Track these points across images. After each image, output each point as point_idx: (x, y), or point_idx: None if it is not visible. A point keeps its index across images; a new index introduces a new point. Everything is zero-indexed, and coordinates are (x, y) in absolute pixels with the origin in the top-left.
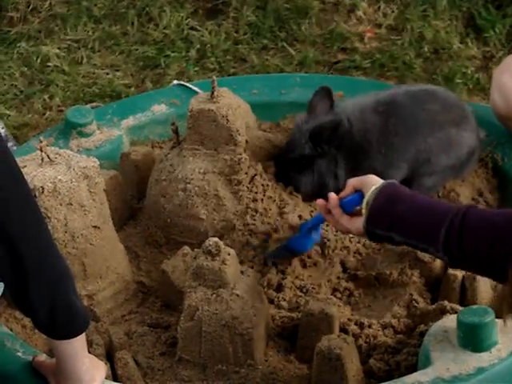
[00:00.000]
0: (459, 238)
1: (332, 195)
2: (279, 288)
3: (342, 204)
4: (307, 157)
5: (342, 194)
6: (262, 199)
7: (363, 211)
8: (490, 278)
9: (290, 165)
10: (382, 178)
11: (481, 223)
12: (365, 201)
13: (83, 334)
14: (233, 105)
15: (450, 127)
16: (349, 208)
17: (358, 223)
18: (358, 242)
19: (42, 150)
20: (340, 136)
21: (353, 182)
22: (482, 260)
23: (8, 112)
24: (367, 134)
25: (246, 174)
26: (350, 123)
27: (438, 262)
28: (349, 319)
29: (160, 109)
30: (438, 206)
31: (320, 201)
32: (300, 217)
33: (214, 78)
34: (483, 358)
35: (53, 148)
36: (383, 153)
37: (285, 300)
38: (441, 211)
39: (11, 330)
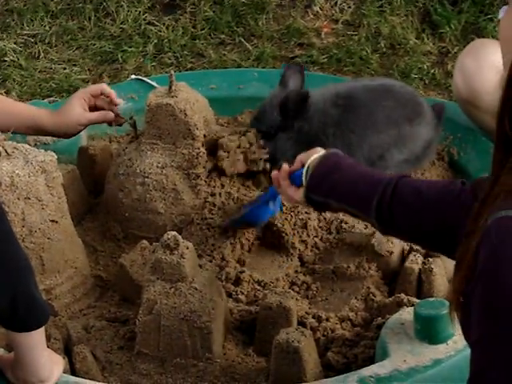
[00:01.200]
0: (389, 206)
1: (284, 167)
2: (237, 282)
3: (291, 177)
4: (272, 128)
5: (293, 167)
6: (220, 193)
7: (303, 179)
8: (424, 247)
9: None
10: None
11: (410, 192)
12: (304, 169)
13: (43, 328)
14: (191, 99)
15: (404, 123)
16: (297, 181)
17: (301, 192)
18: (316, 236)
19: None
20: (306, 110)
21: (301, 157)
22: (412, 228)
23: None
24: (325, 127)
25: (204, 168)
26: (316, 112)
27: (395, 256)
28: (307, 312)
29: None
30: (373, 175)
31: (274, 173)
32: None
33: (172, 72)
34: (440, 350)
35: (10, 142)
36: (337, 148)
37: (243, 294)
38: (375, 180)
39: None
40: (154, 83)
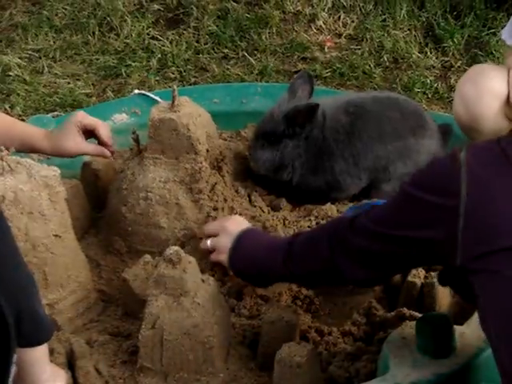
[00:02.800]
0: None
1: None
2: (240, 296)
3: None
4: (277, 134)
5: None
6: (223, 208)
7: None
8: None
9: (257, 138)
10: (337, 183)
11: (302, 244)
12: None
13: (46, 343)
14: (193, 114)
15: (409, 136)
16: None
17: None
18: None
19: (2, 160)
20: (314, 123)
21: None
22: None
23: None
24: (334, 134)
25: (207, 182)
26: (325, 118)
27: None
28: (309, 327)
29: (121, 118)
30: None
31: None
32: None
33: (175, 87)
34: (442, 364)
35: (13, 157)
36: (345, 157)
37: (245, 308)
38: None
39: None
40: (157, 98)
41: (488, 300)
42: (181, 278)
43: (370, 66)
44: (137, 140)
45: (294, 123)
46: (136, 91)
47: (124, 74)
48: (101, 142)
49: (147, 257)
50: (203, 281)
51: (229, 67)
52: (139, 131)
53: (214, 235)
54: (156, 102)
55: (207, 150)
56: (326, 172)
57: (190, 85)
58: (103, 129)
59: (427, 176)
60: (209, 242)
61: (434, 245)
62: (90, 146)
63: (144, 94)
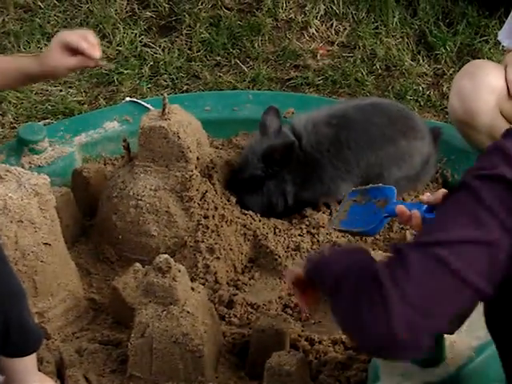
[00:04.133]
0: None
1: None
2: (230, 304)
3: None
4: (258, 177)
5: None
6: (214, 216)
7: None
8: None
9: (240, 185)
10: (330, 189)
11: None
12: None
13: (34, 353)
14: (184, 122)
15: (400, 139)
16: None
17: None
18: None
19: None
20: (291, 157)
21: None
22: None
23: None
24: (318, 146)
25: (197, 190)
26: (300, 138)
27: None
28: (299, 335)
29: (112, 126)
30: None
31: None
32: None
33: (165, 95)
34: (431, 373)
35: (3, 165)
36: (334, 164)
37: (236, 316)
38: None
39: None
40: (148, 105)
41: None
42: (170, 286)
43: (362, 73)
44: (127, 148)
45: (272, 163)
46: (127, 99)
47: (116, 81)
48: (85, 55)
49: (137, 265)
50: (193, 289)
51: (221, 75)
52: (131, 139)
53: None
54: (148, 109)
55: (198, 158)
56: (315, 182)
57: (182, 92)
58: (84, 42)
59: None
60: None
61: None
62: (72, 60)
63: (136, 102)
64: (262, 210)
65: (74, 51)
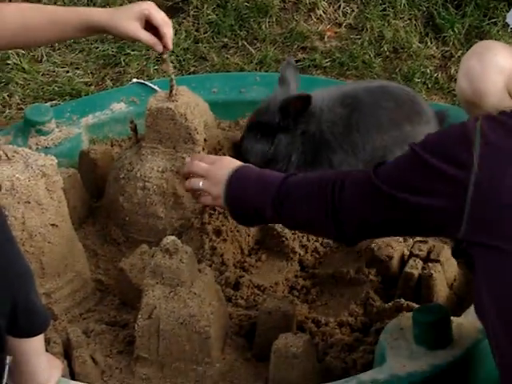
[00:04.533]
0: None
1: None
2: (237, 286)
3: None
4: (272, 125)
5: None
6: None
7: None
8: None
9: (252, 128)
10: None
11: (298, 185)
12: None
13: (42, 334)
14: (191, 103)
15: (405, 124)
16: None
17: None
18: (316, 241)
19: None
20: (308, 115)
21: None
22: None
23: None
24: (333, 127)
25: None
26: (322, 111)
27: (395, 261)
28: (306, 317)
29: (119, 107)
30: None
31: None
32: None
33: (173, 76)
34: (438, 356)
35: (10, 146)
36: (344, 148)
37: (242, 298)
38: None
39: None
40: (155, 87)
41: (484, 274)
42: (177, 268)
43: (369, 55)
44: (135, 129)
45: (288, 115)
46: (134, 80)
47: (123, 62)
48: (160, 37)
49: (144, 247)
50: (200, 271)
51: (228, 56)
52: (137, 120)
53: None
54: (154, 91)
55: (205, 140)
56: (324, 164)
57: (189, 74)
58: (168, 29)
59: (440, 141)
60: (201, 183)
61: (434, 214)
62: (146, 35)
63: (142, 83)
64: (262, 162)
65: (148, 26)
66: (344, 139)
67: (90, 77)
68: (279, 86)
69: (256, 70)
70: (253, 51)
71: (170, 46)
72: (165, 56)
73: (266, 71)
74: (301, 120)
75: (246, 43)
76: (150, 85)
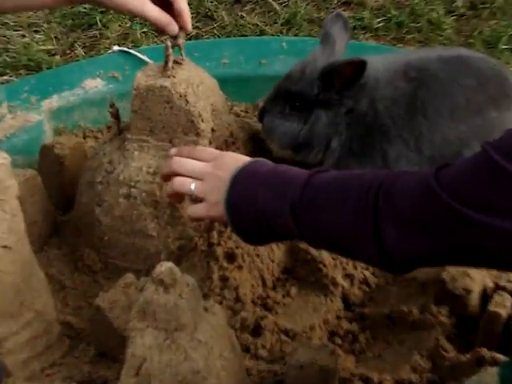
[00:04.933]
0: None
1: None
2: (257, 331)
3: None
4: (307, 97)
5: None
6: None
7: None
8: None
9: (280, 100)
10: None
11: (328, 186)
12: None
13: None
14: (194, 80)
15: (489, 109)
16: None
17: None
18: (366, 269)
19: None
20: (359, 89)
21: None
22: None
23: None
24: (393, 108)
25: None
26: (377, 85)
27: (475, 296)
28: (352, 374)
29: (94, 84)
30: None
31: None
32: None
33: (169, 42)
34: None
35: None
36: (404, 137)
37: (265, 348)
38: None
39: None
40: (144, 57)
41: None
42: (175, 306)
43: (437, 13)
44: (116, 115)
45: (331, 86)
46: (115, 48)
47: (99, 23)
48: (175, 15)
49: (129, 277)
50: (206, 309)
51: (243, 15)
52: (120, 103)
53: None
54: (143, 62)
55: (212, 130)
56: (375, 157)
57: (190, 39)
58: (184, 3)
59: None
60: (193, 186)
61: None
62: (155, 10)
63: (126, 52)
64: (290, 145)
65: (159, 2)
66: (405, 125)
67: (55, 43)
68: (321, 46)
69: (281, 33)
70: (277, 8)
71: (189, 27)
72: (180, 41)
73: (296, 35)
74: (348, 94)
75: None
76: (137, 54)
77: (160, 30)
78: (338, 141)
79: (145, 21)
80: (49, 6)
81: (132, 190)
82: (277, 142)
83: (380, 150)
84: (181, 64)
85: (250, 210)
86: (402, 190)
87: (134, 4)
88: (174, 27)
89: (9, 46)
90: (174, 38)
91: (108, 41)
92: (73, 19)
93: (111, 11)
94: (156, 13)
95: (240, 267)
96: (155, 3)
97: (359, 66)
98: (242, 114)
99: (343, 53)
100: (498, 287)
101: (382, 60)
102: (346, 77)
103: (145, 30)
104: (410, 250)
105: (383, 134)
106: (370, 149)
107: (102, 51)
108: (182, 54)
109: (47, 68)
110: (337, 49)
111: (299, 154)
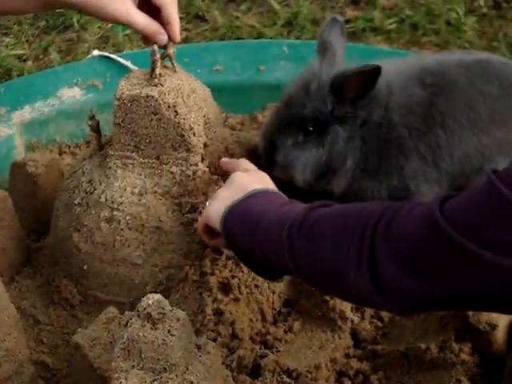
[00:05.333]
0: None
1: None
2: (256, 371)
3: None
4: (322, 117)
5: None
6: None
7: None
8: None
9: (285, 128)
10: (405, 191)
11: (327, 218)
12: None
13: None
14: (184, 89)
15: None
16: None
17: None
18: None
19: None
20: (370, 97)
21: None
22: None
23: None
24: (409, 116)
25: (205, 195)
26: (391, 92)
27: (501, 332)
28: None
29: (71, 94)
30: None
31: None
32: None
33: (155, 46)
34: None
35: None
36: (420, 151)
37: None
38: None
39: None
40: (127, 63)
41: None
42: (164, 343)
43: (457, 13)
44: (96, 129)
45: (344, 98)
46: (95, 52)
47: (76, 25)
48: (163, 23)
49: (112, 311)
50: (199, 347)
51: (238, 15)
52: (100, 115)
53: None
54: (126, 69)
55: (205, 145)
56: (391, 173)
57: (179, 43)
58: (174, 9)
59: None
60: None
61: None
62: (142, 17)
63: (107, 57)
64: (316, 176)
65: (144, 3)
66: (422, 138)
67: (26, 47)
68: (319, 57)
69: (282, 35)
70: (276, 7)
71: (178, 37)
72: (170, 51)
73: (298, 38)
74: (361, 104)
75: None
76: (119, 59)
77: (147, 40)
78: (353, 158)
79: (130, 28)
80: (23, 12)
81: (115, 212)
82: (300, 176)
83: (396, 166)
84: (174, 70)
85: (243, 243)
86: (403, 221)
87: (118, 10)
88: (163, 36)
89: None
90: (163, 47)
91: (86, 45)
92: (47, 20)
93: None
94: (143, 20)
95: (236, 299)
96: (141, 9)
97: (373, 74)
98: (238, 126)
99: (344, 59)
100: None
101: (394, 64)
102: (358, 86)
103: (128, 32)
104: (410, 290)
105: (399, 147)
106: (385, 165)
107: (80, 56)
108: (173, 65)
109: (18, 75)
110: (337, 59)
111: (321, 182)
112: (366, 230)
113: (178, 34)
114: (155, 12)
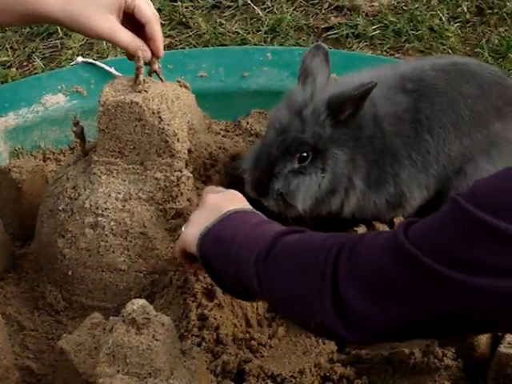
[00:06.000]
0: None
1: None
2: (240, 376)
3: None
4: (321, 141)
5: None
6: None
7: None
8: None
9: (281, 156)
10: (401, 197)
11: (292, 245)
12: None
13: None
14: (168, 95)
15: (492, 120)
16: None
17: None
18: None
19: None
20: (360, 114)
21: None
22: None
23: None
24: (398, 124)
25: (189, 201)
26: (374, 101)
27: (483, 337)
28: None
29: (56, 101)
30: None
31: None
32: None
33: (140, 53)
34: None
35: None
36: (412, 157)
37: None
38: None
39: None
40: (111, 69)
41: None
42: (149, 348)
43: (441, 19)
44: (81, 135)
45: (340, 120)
46: (79, 59)
47: (60, 32)
48: (147, 39)
49: (97, 316)
50: (183, 352)
51: (222, 21)
52: (84, 121)
53: None
54: (110, 75)
55: (189, 151)
56: (387, 183)
57: (163, 49)
58: (157, 26)
59: (502, 194)
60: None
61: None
62: (126, 35)
63: (91, 64)
64: (318, 199)
65: (127, 19)
66: (413, 145)
67: (10, 54)
68: (300, 83)
69: (265, 42)
70: (260, 13)
71: (162, 53)
72: (155, 67)
73: (282, 44)
74: (352, 123)
75: (249, 1)
76: (104, 66)
77: (131, 56)
78: (360, 176)
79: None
80: (6, 24)
81: (99, 218)
82: (301, 203)
83: (391, 175)
84: (143, 81)
85: (221, 261)
86: (366, 252)
87: (102, 27)
88: (146, 53)
89: None
90: (147, 63)
91: (70, 51)
92: (30, 27)
93: None
94: (127, 38)
95: (220, 305)
96: (125, 25)
97: (367, 92)
98: (222, 133)
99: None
100: None
101: (369, 75)
102: (352, 106)
103: None
104: (374, 318)
105: (393, 156)
106: (383, 173)
107: (64, 63)
108: (162, 80)
109: (2, 82)
110: (317, 86)
111: (322, 207)
112: (329, 258)
113: (161, 50)
114: (138, 27)
